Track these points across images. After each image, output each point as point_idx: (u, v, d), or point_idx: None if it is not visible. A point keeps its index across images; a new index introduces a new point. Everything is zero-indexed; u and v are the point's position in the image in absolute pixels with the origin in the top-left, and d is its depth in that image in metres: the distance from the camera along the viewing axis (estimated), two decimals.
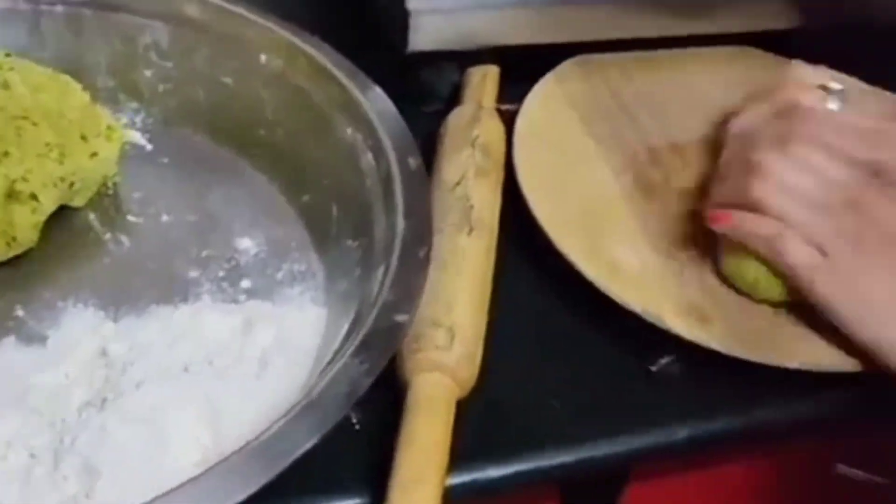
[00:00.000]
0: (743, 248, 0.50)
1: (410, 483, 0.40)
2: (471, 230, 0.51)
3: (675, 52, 0.68)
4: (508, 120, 0.61)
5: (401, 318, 0.42)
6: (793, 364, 0.48)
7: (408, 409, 0.43)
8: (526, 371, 0.49)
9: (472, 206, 0.52)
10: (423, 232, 0.46)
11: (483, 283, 0.50)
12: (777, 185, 0.49)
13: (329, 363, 0.41)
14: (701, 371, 0.50)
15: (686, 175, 0.59)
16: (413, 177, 0.49)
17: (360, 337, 0.41)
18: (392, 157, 0.50)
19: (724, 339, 0.49)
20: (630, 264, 0.52)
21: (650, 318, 0.49)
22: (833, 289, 0.47)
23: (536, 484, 0.47)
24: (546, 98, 0.62)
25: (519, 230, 0.54)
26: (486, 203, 0.53)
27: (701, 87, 0.65)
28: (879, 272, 0.47)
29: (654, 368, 0.50)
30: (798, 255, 0.48)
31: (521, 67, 0.63)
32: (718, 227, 0.51)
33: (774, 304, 0.51)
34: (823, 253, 0.48)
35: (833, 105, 0.54)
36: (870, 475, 0.59)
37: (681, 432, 0.48)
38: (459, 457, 0.43)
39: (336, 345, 0.44)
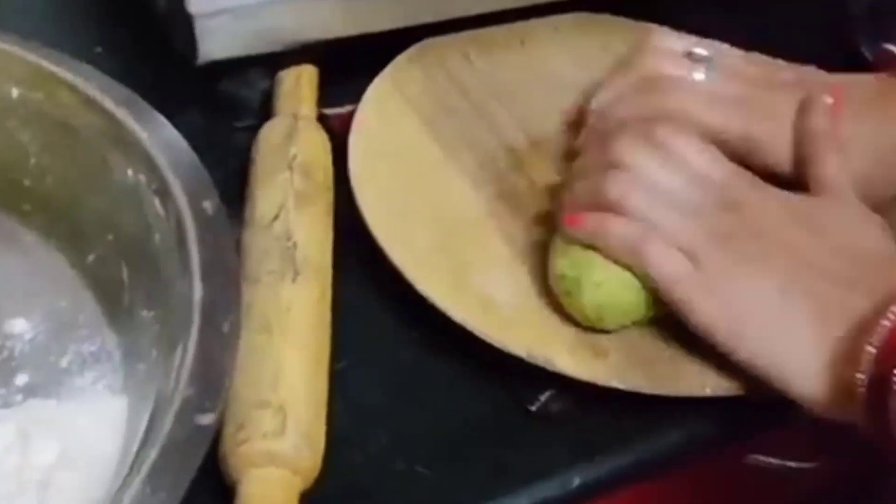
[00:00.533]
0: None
1: None
2: (296, 276, 0.42)
3: (517, 25, 0.59)
4: (338, 126, 0.52)
5: (204, 420, 0.33)
6: (704, 393, 0.41)
7: None
8: (386, 438, 0.41)
9: (294, 245, 0.43)
10: (229, 296, 0.37)
11: (318, 341, 0.41)
12: (638, 182, 0.42)
13: (120, 489, 0.32)
14: (588, 403, 0.43)
15: (553, 173, 0.51)
16: (210, 224, 0.39)
17: (154, 453, 0.32)
18: (182, 201, 0.40)
19: (624, 372, 0.42)
20: (503, 297, 0.44)
21: (538, 362, 0.42)
22: (704, 302, 0.40)
23: None
24: (381, 102, 0.53)
25: (363, 262, 0.46)
26: (314, 238, 0.45)
27: (554, 64, 0.57)
28: (755, 281, 0.40)
29: (533, 408, 0.43)
30: (665, 262, 0.41)
31: (348, 63, 0.54)
32: (574, 231, 0.43)
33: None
34: (694, 260, 0.41)
35: (700, 75, 0.47)
36: (782, 461, 0.54)
37: (573, 479, 0.41)
38: None
39: (132, 455, 0.35)
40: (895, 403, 0.35)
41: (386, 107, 0.53)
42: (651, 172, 0.42)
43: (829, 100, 0.45)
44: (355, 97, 0.53)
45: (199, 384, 0.34)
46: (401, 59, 0.55)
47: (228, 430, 0.37)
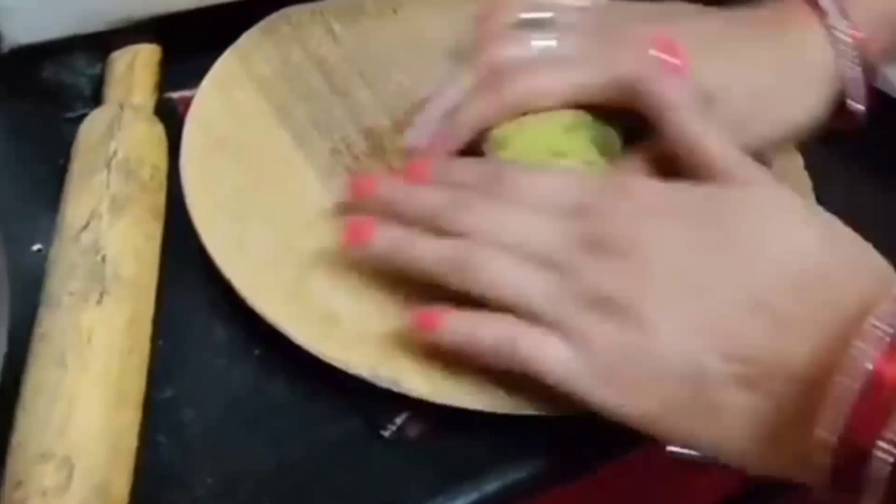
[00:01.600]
0: None
1: None
2: (102, 296, 0.36)
3: None
4: (186, 112, 0.46)
5: None
6: (569, 411, 0.36)
7: None
8: (219, 476, 0.36)
9: (103, 259, 0.37)
10: None
11: (126, 373, 0.35)
12: (489, 248, 0.35)
13: None
14: (448, 426, 0.37)
15: None
16: None
17: None
18: None
19: (482, 392, 0.36)
20: (349, 309, 0.39)
21: (383, 383, 0.37)
22: (603, 392, 0.33)
23: None
24: (225, 84, 0.47)
25: (196, 274, 0.41)
26: (130, 248, 0.39)
27: (430, 33, 0.51)
28: (652, 350, 0.33)
29: (387, 434, 0.38)
30: (545, 358, 0.34)
31: (200, 37, 0.48)
32: (428, 337, 0.36)
33: None
34: (575, 338, 0.34)
35: (542, 42, 0.41)
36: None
37: None
38: None
39: None
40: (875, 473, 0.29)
41: (230, 91, 0.46)
42: (505, 236, 0.35)
43: (675, 61, 0.39)
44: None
45: None
46: (251, 34, 0.49)
47: (7, 489, 0.31)
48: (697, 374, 0.32)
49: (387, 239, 0.37)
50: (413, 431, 0.38)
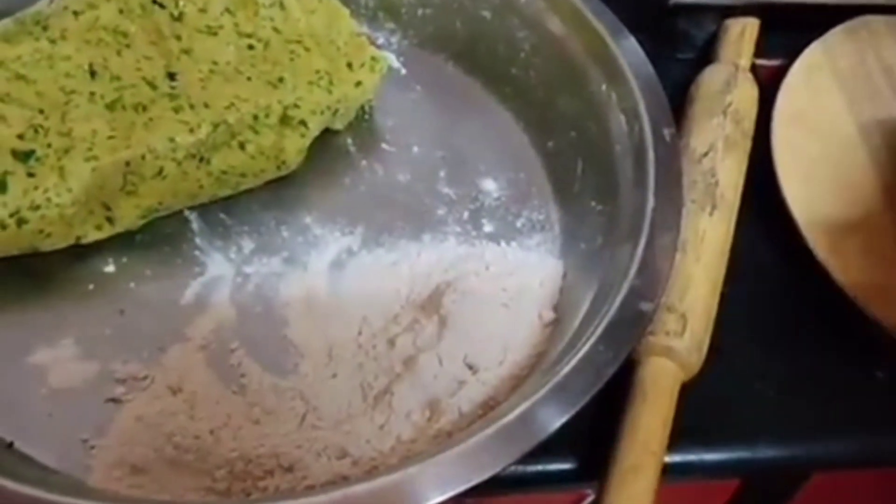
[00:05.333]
0: None
1: (630, 471, 0.42)
2: (713, 209, 0.51)
3: None
4: (766, 78, 0.59)
5: (646, 306, 0.43)
6: None
7: (634, 391, 0.45)
8: (749, 360, 0.50)
9: (716, 183, 0.52)
10: (674, 215, 0.46)
11: (718, 268, 0.50)
12: None
13: (571, 342, 0.43)
14: None
15: None
16: (667, 149, 0.48)
17: (604, 322, 0.42)
18: (647, 125, 0.49)
19: None
20: None
21: None
22: None
23: (743, 473, 0.49)
24: (811, 71, 0.59)
25: (762, 211, 0.54)
26: (731, 180, 0.53)
27: None
28: None
29: (881, 374, 0.50)
30: None
31: (784, 20, 0.61)
32: None
33: None
34: None
35: None
36: None
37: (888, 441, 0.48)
38: (674, 437, 0.45)
39: (579, 316, 0.45)
40: None
41: (814, 77, 0.59)
42: None
43: None
44: (784, 51, 0.60)
45: (644, 278, 0.44)
46: (836, 31, 0.61)
47: None
48: None
49: None
50: None
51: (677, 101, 0.57)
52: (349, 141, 0.55)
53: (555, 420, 0.39)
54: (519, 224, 0.52)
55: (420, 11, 0.58)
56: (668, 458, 0.45)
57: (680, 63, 0.61)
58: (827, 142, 0.56)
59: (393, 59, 0.58)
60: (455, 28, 0.58)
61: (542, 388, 0.40)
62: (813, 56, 0.60)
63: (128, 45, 0.49)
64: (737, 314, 0.51)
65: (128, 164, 0.46)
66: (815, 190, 0.54)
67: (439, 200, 0.53)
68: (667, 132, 0.49)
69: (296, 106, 0.50)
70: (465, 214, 0.52)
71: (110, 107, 0.47)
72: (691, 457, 0.46)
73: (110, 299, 0.47)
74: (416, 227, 0.51)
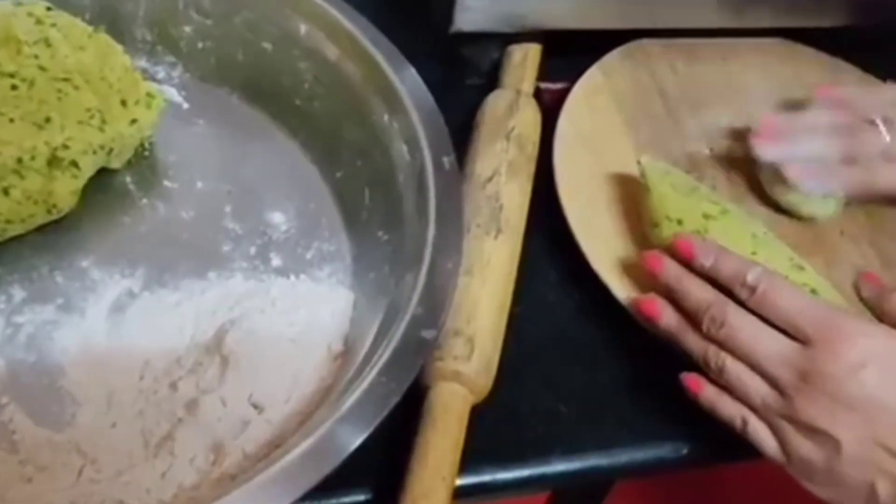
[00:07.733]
0: None
1: (421, 498, 0.42)
2: (498, 233, 0.52)
3: (721, 41, 0.67)
4: (549, 101, 0.61)
5: (428, 334, 0.43)
6: None
7: (424, 417, 0.45)
8: (540, 376, 0.51)
9: (501, 207, 0.53)
10: (454, 242, 0.47)
11: (505, 289, 0.51)
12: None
13: (356, 373, 0.43)
14: None
15: (729, 185, 0.60)
16: (447, 178, 0.49)
17: (388, 352, 0.42)
18: (427, 153, 0.50)
19: None
20: None
21: None
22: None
23: (538, 489, 0.50)
24: (591, 93, 0.61)
25: (547, 231, 0.55)
26: (516, 203, 0.54)
27: (747, 82, 0.65)
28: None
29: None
30: (764, 441, 0.46)
31: (565, 44, 0.63)
32: (692, 393, 0.48)
33: None
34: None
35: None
36: None
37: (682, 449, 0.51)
38: (468, 459, 0.45)
39: (366, 346, 0.45)
40: None
41: (593, 99, 0.61)
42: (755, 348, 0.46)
43: None
44: (568, 74, 0.62)
45: (426, 305, 0.44)
46: (614, 54, 0.64)
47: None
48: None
49: (670, 322, 0.49)
50: None
51: (467, 127, 0.58)
52: (128, 179, 0.53)
53: (339, 454, 0.39)
54: (309, 256, 0.52)
55: (200, 44, 0.57)
56: (462, 481, 0.46)
57: (469, 89, 0.62)
58: (606, 161, 0.58)
59: (174, 94, 0.57)
60: (237, 60, 0.57)
61: (324, 424, 0.39)
62: (592, 79, 0.62)
63: None
64: (527, 332, 0.52)
65: None
66: (594, 209, 0.56)
67: (225, 236, 0.52)
68: (446, 160, 0.50)
69: (65, 146, 0.48)
70: (252, 250, 0.52)
71: None
72: (485, 477, 0.47)
73: None
74: (200, 265, 0.50)
